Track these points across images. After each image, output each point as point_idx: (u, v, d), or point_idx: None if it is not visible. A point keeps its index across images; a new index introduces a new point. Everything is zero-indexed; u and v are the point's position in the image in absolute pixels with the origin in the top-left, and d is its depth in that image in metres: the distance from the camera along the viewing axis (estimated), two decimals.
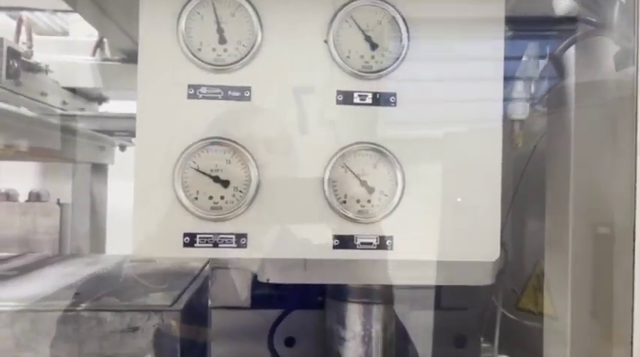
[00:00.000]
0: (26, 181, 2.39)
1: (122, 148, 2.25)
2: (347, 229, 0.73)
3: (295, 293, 1.22)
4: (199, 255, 0.72)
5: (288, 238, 0.73)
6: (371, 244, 0.74)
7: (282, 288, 1.23)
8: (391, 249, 0.74)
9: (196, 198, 0.72)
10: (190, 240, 0.71)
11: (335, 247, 0.74)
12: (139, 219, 0.72)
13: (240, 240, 0.71)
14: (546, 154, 0.93)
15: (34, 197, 2.21)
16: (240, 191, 0.72)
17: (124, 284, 1.58)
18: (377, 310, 0.89)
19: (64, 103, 2.13)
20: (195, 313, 1.35)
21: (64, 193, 2.34)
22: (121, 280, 1.62)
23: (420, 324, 1.14)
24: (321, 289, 1.06)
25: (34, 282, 1.58)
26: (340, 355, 0.90)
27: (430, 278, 0.84)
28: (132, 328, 1.22)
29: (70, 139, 1.88)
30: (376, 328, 0.89)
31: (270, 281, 0.84)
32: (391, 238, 0.74)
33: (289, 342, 1.12)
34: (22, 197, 2.27)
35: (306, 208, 0.73)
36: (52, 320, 1.20)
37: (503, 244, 0.94)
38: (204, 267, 1.75)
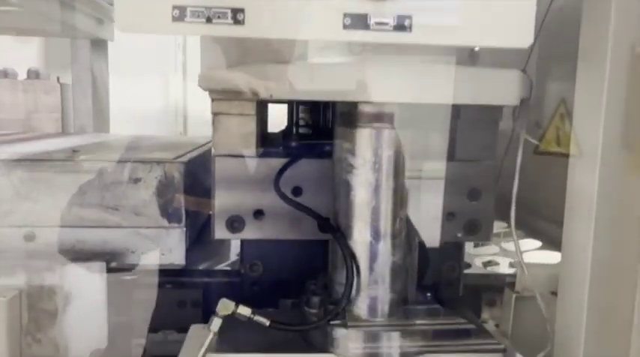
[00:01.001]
0: (24, 63, 2.31)
1: None
2: (359, 7, 0.64)
3: (302, 142, 1.16)
4: (190, 31, 0.64)
5: (292, 14, 0.64)
6: (387, 24, 0.65)
7: (289, 137, 1.19)
8: (409, 31, 0.66)
9: None
10: (180, 13, 0.63)
11: (345, 26, 0.65)
12: None
13: (237, 15, 0.63)
14: None
15: (34, 75, 2.13)
16: None
17: (126, 146, 1.55)
18: (388, 135, 0.83)
19: None
20: (199, 168, 1.31)
21: (63, 76, 2.26)
22: (124, 144, 1.58)
23: (433, 176, 1.09)
24: (329, 138, 1.00)
25: (35, 145, 1.55)
26: (349, 184, 0.86)
27: (450, 95, 0.77)
28: (133, 180, 1.18)
29: (66, 5, 1.77)
30: (387, 154, 0.83)
31: (273, 97, 0.78)
32: (410, 17, 0.65)
33: (296, 191, 1.08)
34: (21, 78, 2.20)
35: None
36: (51, 170, 1.16)
37: (525, 71, 0.86)
38: (208, 142, 1.71)
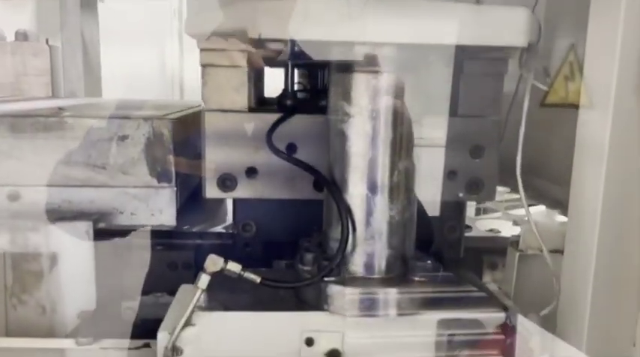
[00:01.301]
0: (16, 27, 2.24)
1: None
2: None
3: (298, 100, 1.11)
4: None
5: None
6: None
7: (285, 98, 1.13)
8: None
9: None
10: None
11: None
12: None
13: None
14: None
15: (22, 37, 2.06)
16: None
17: (116, 106, 1.49)
18: (386, 81, 0.77)
19: None
20: (190, 127, 1.26)
21: (55, 40, 2.19)
22: (114, 106, 1.52)
23: (434, 133, 1.04)
24: (324, 93, 0.95)
25: (22, 106, 1.49)
26: (344, 134, 0.81)
27: (453, 35, 0.71)
28: (121, 137, 1.13)
29: None
30: (385, 101, 0.77)
31: (262, 36, 0.72)
32: None
33: (290, 149, 1.03)
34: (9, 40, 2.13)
35: None
36: (34, 126, 1.11)
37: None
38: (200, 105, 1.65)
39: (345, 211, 0.81)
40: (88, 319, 1.06)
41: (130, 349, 0.96)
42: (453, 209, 1.10)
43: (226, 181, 1.06)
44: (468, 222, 1.50)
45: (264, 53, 0.94)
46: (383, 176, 0.81)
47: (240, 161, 1.05)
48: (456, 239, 1.11)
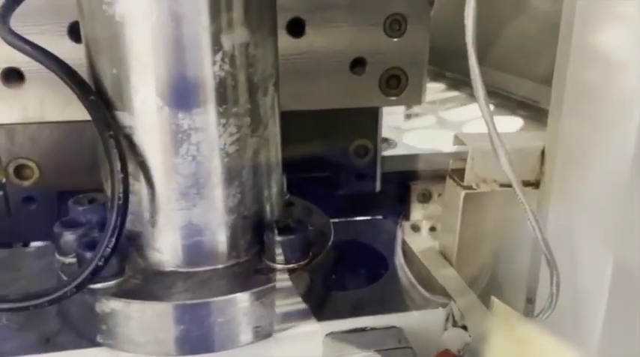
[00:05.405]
0: None
1: None
2: None
3: None
4: None
5: None
6: None
7: None
8: None
9: None
10: None
11: None
12: None
13: None
14: None
15: None
16: None
17: None
18: None
19: None
20: None
21: None
22: None
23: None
24: None
25: None
26: None
27: None
28: None
29: None
30: None
31: None
32: None
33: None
34: None
35: None
36: None
37: None
38: None
39: (114, 145, 0.38)
40: None
41: None
42: (362, 119, 0.70)
43: None
44: (392, 135, 1.12)
45: None
46: (197, 63, 0.38)
47: None
48: (369, 165, 0.72)
